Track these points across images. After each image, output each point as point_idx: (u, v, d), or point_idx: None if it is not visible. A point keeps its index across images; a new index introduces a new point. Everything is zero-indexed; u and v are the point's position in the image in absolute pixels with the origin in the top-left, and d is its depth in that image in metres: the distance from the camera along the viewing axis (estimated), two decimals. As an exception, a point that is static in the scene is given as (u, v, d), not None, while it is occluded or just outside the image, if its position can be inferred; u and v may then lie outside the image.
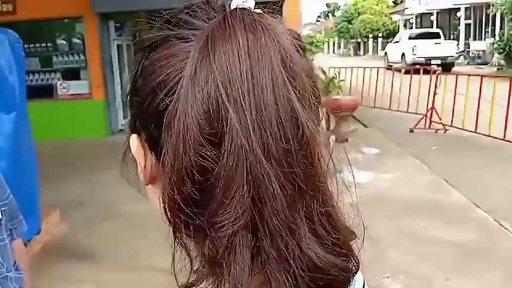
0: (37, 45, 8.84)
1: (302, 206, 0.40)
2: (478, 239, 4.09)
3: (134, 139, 0.46)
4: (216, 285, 0.41)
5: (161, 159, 0.41)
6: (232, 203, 0.38)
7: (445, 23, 31.72)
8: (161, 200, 0.41)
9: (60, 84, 8.98)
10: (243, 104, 0.38)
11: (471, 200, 4.92)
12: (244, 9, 0.41)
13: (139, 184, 0.51)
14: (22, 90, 3.91)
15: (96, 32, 8.72)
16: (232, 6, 0.42)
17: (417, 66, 11.54)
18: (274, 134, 0.38)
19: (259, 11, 0.42)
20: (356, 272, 0.46)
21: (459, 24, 29.69)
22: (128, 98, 0.47)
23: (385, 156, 6.87)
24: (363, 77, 11.44)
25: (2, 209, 1.40)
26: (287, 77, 0.39)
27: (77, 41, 9.00)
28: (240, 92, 0.38)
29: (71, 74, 9.01)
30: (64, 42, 9.06)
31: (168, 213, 0.41)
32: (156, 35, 0.44)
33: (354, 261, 0.45)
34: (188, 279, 0.43)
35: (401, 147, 7.34)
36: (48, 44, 8.98)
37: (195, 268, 0.42)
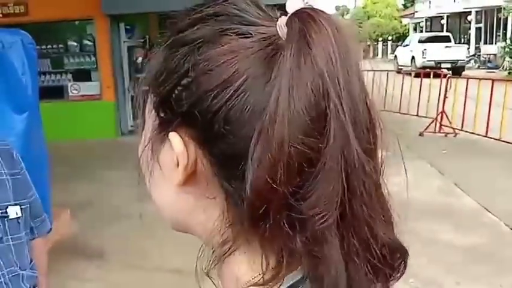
0: (48, 46, 8.92)
1: (377, 197, 0.43)
2: (489, 243, 4.06)
3: (177, 137, 0.44)
4: (308, 276, 0.41)
5: (251, 156, 0.39)
6: (332, 193, 0.39)
7: (456, 26, 31.53)
8: (248, 198, 0.40)
9: (71, 85, 9.06)
10: (342, 97, 0.39)
11: (482, 204, 4.88)
12: (316, 9, 0.42)
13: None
14: (35, 90, 3.95)
15: (107, 34, 8.79)
16: (292, 7, 0.42)
17: (427, 70, 11.48)
18: (363, 128, 0.40)
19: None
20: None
21: (470, 28, 29.50)
22: (163, 96, 0.44)
23: (394, 160, 6.81)
24: (373, 80, 11.39)
25: (22, 206, 1.40)
26: (360, 76, 0.42)
27: (88, 42, 9.07)
28: (339, 86, 0.39)
29: (82, 75, 9.08)
30: (75, 43, 9.14)
31: (271, 210, 0.39)
32: (211, 28, 0.42)
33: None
34: (262, 277, 0.41)
35: (411, 150, 7.29)
36: (60, 46, 9.07)
37: (274, 263, 0.41)
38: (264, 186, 0.39)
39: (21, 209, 1.38)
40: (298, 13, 0.41)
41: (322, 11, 0.41)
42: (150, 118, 0.47)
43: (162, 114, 0.45)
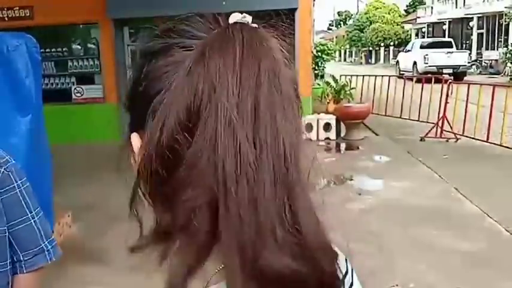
0: (53, 49, 8.98)
1: (269, 204, 0.43)
2: (489, 248, 4.06)
3: (135, 137, 0.52)
4: (161, 255, 0.48)
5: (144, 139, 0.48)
6: (193, 184, 0.44)
7: (458, 32, 31.57)
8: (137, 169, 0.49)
9: (75, 89, 9.11)
10: (223, 103, 0.43)
11: (482, 210, 4.88)
12: (243, 23, 0.47)
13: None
14: (38, 93, 3.98)
15: (111, 38, 8.84)
16: (231, 21, 0.47)
17: (429, 75, 11.49)
18: (250, 133, 0.43)
19: (255, 25, 0.48)
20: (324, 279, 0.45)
21: (472, 34, 29.54)
22: (129, 100, 0.52)
23: (395, 165, 6.85)
24: (374, 85, 11.43)
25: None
26: (273, 86, 0.44)
27: (92, 46, 9.13)
28: (224, 93, 0.43)
29: (86, 79, 9.14)
30: (79, 47, 9.19)
31: (140, 184, 0.49)
32: (160, 43, 0.49)
33: (319, 269, 0.45)
34: (140, 243, 0.51)
35: (412, 155, 7.30)
36: (64, 49, 9.12)
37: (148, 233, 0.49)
38: (141, 162, 0.48)
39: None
40: (221, 28, 0.47)
41: (245, 27, 0.46)
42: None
43: (130, 117, 0.53)
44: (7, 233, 1.19)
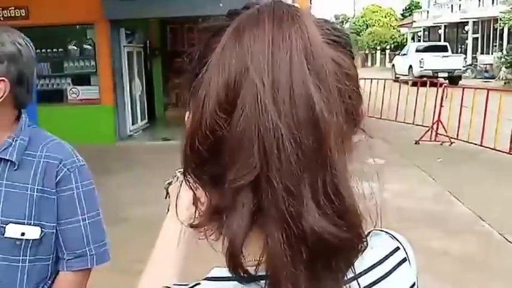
0: (48, 50, 8.95)
1: (308, 174, 0.44)
2: (482, 251, 4.09)
3: (187, 117, 0.52)
4: (216, 233, 0.48)
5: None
6: (238, 163, 0.44)
7: (453, 36, 31.76)
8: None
9: (70, 89, 9.09)
10: (259, 80, 0.43)
11: (475, 213, 4.92)
12: (278, 1, 0.48)
13: None
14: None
15: (107, 39, 8.83)
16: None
17: (424, 79, 11.56)
18: (286, 108, 0.43)
19: (296, 4, 0.48)
20: (360, 248, 0.48)
21: (467, 38, 29.72)
22: (186, 81, 0.53)
23: (390, 168, 6.87)
24: (370, 88, 11.47)
25: (45, 230, 1.21)
26: (306, 62, 0.44)
27: (88, 47, 9.11)
28: (258, 70, 0.44)
29: (81, 80, 9.11)
30: (75, 48, 9.17)
31: (183, 163, 0.49)
32: (214, 25, 0.51)
33: (356, 234, 0.47)
34: (193, 221, 0.50)
35: (407, 158, 7.34)
36: (60, 50, 9.10)
37: (201, 214, 0.50)
38: (184, 142, 0.48)
39: (41, 231, 1.19)
40: (259, 5, 0.48)
41: (278, 4, 0.47)
42: None
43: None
44: (55, 230, 1.23)
